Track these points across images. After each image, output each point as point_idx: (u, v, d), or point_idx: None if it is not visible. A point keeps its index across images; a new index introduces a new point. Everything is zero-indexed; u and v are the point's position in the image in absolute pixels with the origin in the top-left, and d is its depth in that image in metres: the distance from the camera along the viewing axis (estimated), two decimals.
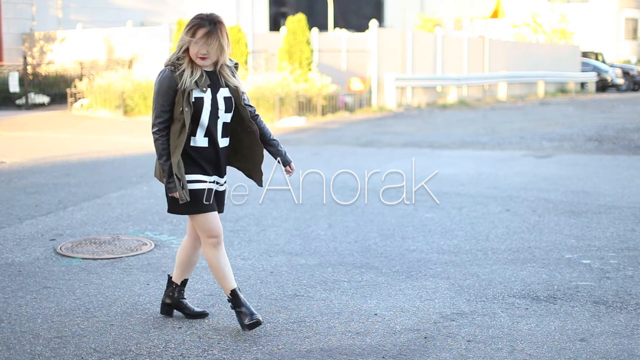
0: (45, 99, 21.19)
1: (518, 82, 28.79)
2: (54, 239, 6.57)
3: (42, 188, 9.04)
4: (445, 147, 13.70)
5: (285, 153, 4.37)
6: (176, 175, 4.05)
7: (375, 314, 4.62)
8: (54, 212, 7.66)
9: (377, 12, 45.53)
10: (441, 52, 25.48)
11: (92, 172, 10.35)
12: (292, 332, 4.33)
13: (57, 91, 21.54)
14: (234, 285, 4.30)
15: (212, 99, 4.09)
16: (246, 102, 4.26)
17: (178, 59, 4.09)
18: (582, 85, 33.10)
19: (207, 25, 3.98)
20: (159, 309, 4.71)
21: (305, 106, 19.15)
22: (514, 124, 17.97)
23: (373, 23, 23.14)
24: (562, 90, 31.46)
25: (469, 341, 4.18)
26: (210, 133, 4.11)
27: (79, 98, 20.42)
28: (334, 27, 37.61)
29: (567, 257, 5.95)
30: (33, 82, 21.63)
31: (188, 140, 4.08)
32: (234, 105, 4.18)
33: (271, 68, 21.76)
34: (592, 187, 9.14)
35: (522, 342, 4.18)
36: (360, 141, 14.52)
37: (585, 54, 35.49)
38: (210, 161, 4.15)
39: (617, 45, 47.31)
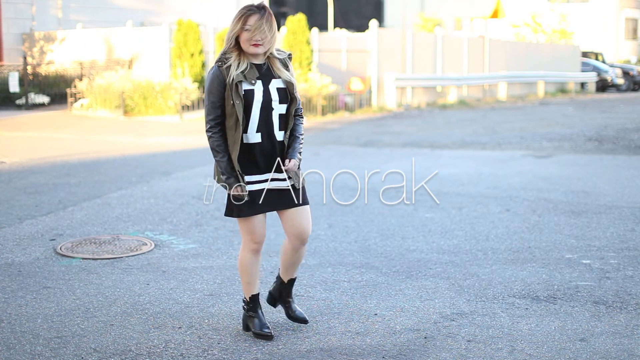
0: (45, 99, 21.18)
1: (518, 82, 28.79)
2: (54, 239, 6.57)
3: (42, 188, 9.04)
4: (445, 147, 13.70)
5: (294, 149, 4.11)
6: (239, 172, 3.99)
7: (375, 314, 4.62)
8: (54, 212, 7.66)
9: (377, 12, 45.53)
10: (441, 52, 25.48)
11: (92, 172, 10.35)
12: (292, 332, 4.33)
13: (57, 91, 21.53)
14: (257, 291, 4.27)
15: (263, 91, 3.99)
16: (295, 100, 4.13)
17: (225, 53, 4.01)
18: (582, 85, 33.10)
19: (258, 12, 3.92)
20: (159, 309, 4.71)
21: (305, 106, 19.16)
22: (514, 124, 17.97)
23: (373, 23, 23.14)
24: (562, 90, 31.46)
25: (469, 341, 4.18)
26: (263, 127, 4.00)
27: (79, 98, 20.42)
28: (334, 27, 37.62)
29: (567, 257, 5.95)
30: (33, 82, 21.62)
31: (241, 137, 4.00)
32: (290, 96, 4.07)
33: None
34: (592, 187, 9.14)
35: (522, 342, 4.18)
36: (360, 141, 14.52)
37: (585, 54, 35.49)
38: (266, 156, 4.03)
39: (617, 45, 47.29)
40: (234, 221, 7.24)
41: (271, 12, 3.99)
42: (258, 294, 4.29)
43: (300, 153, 4.16)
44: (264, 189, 4.05)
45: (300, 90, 19.13)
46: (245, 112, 3.98)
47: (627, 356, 3.99)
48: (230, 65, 3.97)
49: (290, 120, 4.09)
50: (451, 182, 9.50)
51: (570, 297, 4.96)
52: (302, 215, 4.15)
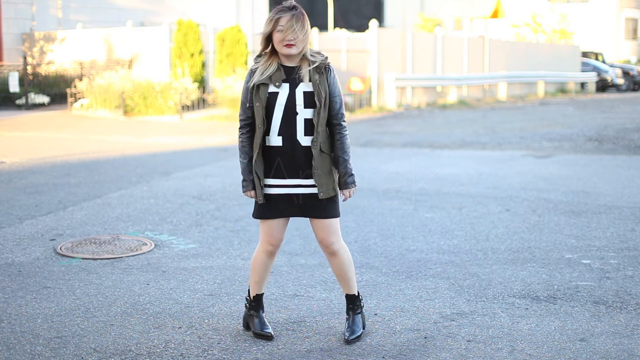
0: (45, 99, 21.18)
1: (518, 82, 28.80)
2: (54, 239, 6.56)
3: (42, 188, 9.04)
4: (445, 147, 13.70)
5: (345, 175, 4.02)
6: (256, 173, 3.97)
7: (375, 314, 4.62)
8: (54, 212, 7.66)
9: (377, 12, 45.56)
10: (441, 52, 25.48)
11: (92, 172, 10.35)
12: (292, 332, 4.32)
13: (57, 91, 21.52)
14: (262, 291, 4.29)
15: (288, 94, 3.94)
16: (334, 105, 4.01)
17: (259, 56, 4.01)
18: (582, 85, 33.10)
19: (289, 12, 3.89)
20: (159, 309, 4.71)
21: None
22: (514, 124, 17.97)
23: (373, 23, 23.13)
24: (562, 90, 31.46)
25: (469, 341, 4.18)
26: (285, 131, 3.94)
27: (79, 98, 20.41)
28: (334, 27, 37.62)
29: (567, 257, 5.95)
30: (33, 82, 21.61)
31: (263, 139, 3.97)
32: (317, 101, 3.93)
33: None
34: (592, 187, 9.14)
35: (522, 342, 4.18)
36: (360, 141, 14.51)
37: (585, 54, 35.49)
38: (287, 162, 3.96)
39: (617, 45, 47.30)
40: (233, 221, 7.25)
41: (304, 11, 3.95)
42: (262, 294, 4.29)
43: (351, 175, 4.03)
44: (283, 194, 4.00)
45: None
46: (267, 115, 3.95)
47: (627, 356, 3.98)
48: (258, 68, 3.98)
49: (320, 127, 3.94)
50: (451, 182, 9.49)
51: (570, 297, 4.96)
52: (319, 226, 4.08)
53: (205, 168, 10.79)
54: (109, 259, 5.95)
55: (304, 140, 3.96)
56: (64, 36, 24.44)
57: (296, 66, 3.98)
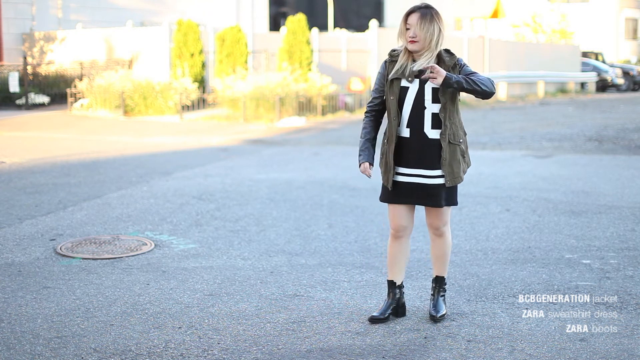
0: (45, 99, 21.17)
1: (518, 82, 28.78)
2: (54, 239, 6.56)
3: (42, 188, 9.04)
4: None
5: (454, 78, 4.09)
6: (385, 160, 4.28)
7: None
8: (54, 212, 7.66)
9: (377, 12, 45.48)
10: None
11: (92, 172, 10.35)
12: (292, 332, 4.32)
13: (57, 91, 21.51)
14: (392, 278, 4.47)
15: (418, 90, 4.18)
16: (467, 73, 4.18)
17: (395, 50, 4.28)
18: (582, 85, 33.07)
19: (418, 11, 4.13)
20: (159, 309, 4.71)
21: (305, 106, 19.16)
22: (514, 124, 17.97)
23: (373, 23, 23.13)
24: (562, 90, 31.44)
25: (469, 341, 4.18)
26: (413, 124, 4.20)
27: (79, 98, 20.41)
28: (334, 27, 37.61)
29: (567, 257, 5.95)
30: (33, 82, 21.60)
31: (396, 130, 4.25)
32: (442, 97, 4.17)
33: (271, 68, 21.76)
34: (592, 187, 9.13)
35: (522, 342, 4.18)
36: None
37: (585, 54, 35.45)
38: (413, 152, 4.23)
39: (617, 45, 47.28)
40: (233, 221, 7.25)
41: (435, 11, 4.14)
42: (393, 281, 4.47)
43: (464, 82, 4.10)
44: (406, 182, 4.27)
45: (300, 90, 19.09)
46: (399, 108, 4.22)
47: (627, 356, 3.98)
48: (395, 62, 4.24)
49: (447, 120, 4.18)
50: None
51: (570, 297, 4.96)
52: (433, 213, 4.37)
53: (205, 168, 10.79)
54: (109, 259, 5.95)
55: (431, 133, 4.22)
56: (64, 36, 24.43)
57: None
